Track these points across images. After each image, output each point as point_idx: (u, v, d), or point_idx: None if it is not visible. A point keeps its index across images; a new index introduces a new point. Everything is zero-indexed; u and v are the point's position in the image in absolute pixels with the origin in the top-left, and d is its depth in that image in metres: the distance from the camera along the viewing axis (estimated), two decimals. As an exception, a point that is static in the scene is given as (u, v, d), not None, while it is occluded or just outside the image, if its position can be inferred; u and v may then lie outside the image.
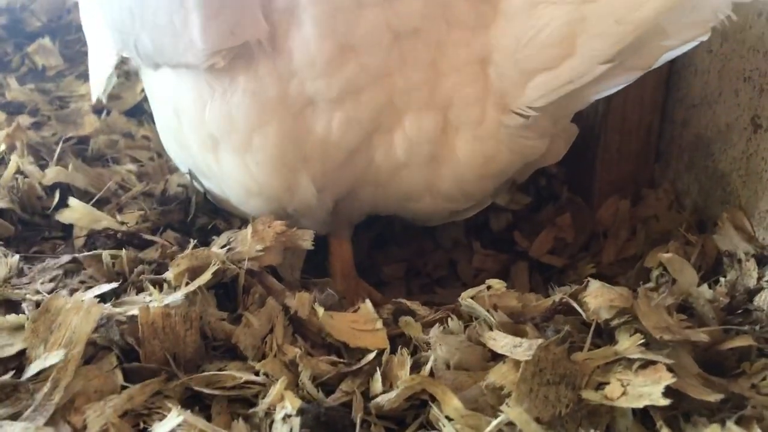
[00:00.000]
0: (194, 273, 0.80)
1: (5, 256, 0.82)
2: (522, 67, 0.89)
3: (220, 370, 0.73)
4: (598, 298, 0.82)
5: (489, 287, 0.89)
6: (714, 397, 0.68)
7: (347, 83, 0.89)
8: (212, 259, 0.81)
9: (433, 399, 0.72)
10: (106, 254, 0.85)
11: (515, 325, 0.83)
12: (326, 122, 0.91)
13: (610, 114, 1.28)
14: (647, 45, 0.85)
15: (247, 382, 0.70)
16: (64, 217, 0.96)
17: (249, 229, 0.92)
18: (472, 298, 0.87)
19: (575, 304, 0.84)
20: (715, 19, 0.83)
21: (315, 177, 0.94)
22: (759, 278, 0.94)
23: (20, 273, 0.81)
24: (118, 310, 0.74)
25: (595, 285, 0.85)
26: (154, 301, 0.76)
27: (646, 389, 0.68)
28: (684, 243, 1.11)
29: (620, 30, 0.83)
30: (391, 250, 1.36)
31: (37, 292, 0.76)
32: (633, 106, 1.27)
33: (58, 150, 1.05)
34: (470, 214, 1.09)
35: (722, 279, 0.98)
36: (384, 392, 0.72)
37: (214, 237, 0.95)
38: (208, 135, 0.93)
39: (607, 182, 1.32)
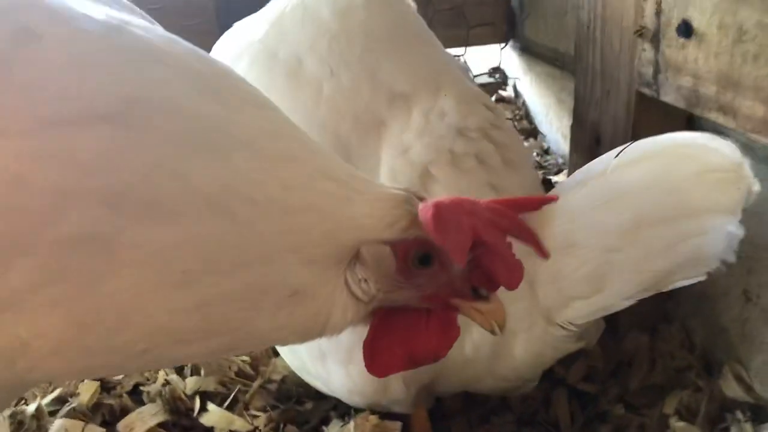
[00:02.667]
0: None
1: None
2: (563, 293, 1.13)
3: None
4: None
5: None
6: None
7: None
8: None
9: None
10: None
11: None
12: None
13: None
14: (660, 284, 1.09)
15: None
16: (206, 420, 1.24)
17: (351, 424, 1.20)
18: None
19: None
20: (712, 267, 1.03)
21: (404, 378, 1.20)
22: (755, 438, 1.20)
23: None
24: None
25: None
26: None
27: None
28: (695, 390, 1.37)
29: (640, 277, 1.07)
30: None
31: None
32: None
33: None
34: (524, 390, 1.35)
35: (725, 436, 1.23)
36: None
37: (323, 427, 1.23)
38: (318, 349, 1.19)
39: (628, 318, 1.57)
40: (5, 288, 0.59)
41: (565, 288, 1.13)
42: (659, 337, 1.54)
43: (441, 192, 1.19)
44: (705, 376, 1.40)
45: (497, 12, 2.38)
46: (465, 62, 2.83)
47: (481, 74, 2.79)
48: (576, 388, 1.56)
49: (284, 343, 1.02)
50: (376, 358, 0.88)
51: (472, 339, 1.21)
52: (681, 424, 1.25)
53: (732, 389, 1.32)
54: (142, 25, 0.71)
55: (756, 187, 0.96)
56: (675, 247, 1.01)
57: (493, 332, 0.89)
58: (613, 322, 1.59)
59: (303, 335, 0.79)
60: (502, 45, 2.52)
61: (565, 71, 1.92)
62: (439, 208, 0.78)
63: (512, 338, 1.20)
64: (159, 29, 0.77)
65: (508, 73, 2.61)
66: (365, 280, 0.79)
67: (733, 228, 0.96)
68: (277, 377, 1.33)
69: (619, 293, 1.09)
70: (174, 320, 0.66)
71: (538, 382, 1.35)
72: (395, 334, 0.86)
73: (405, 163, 1.23)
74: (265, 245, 0.70)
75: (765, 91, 1.04)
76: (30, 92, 0.59)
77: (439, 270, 0.82)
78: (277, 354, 1.41)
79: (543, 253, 0.93)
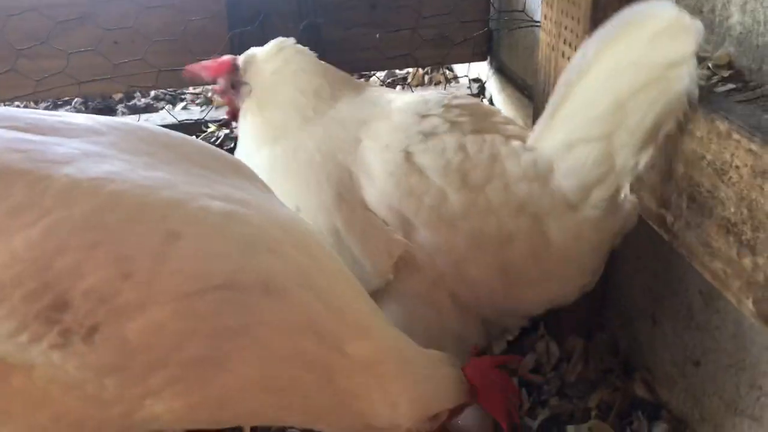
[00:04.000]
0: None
1: None
2: (582, 182, 1.34)
3: None
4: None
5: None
6: None
7: None
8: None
9: None
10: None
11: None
12: None
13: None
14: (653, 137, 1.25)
15: None
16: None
17: None
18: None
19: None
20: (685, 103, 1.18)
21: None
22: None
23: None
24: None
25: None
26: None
27: None
28: (613, 389, 1.77)
29: (636, 138, 1.24)
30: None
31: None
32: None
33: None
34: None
35: (628, 428, 1.64)
36: None
37: None
38: None
39: (568, 325, 1.96)
40: (146, 387, 0.98)
41: (582, 176, 1.34)
42: (593, 342, 1.93)
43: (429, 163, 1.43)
44: (623, 377, 1.80)
45: (478, 30, 2.64)
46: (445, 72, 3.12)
47: (462, 76, 3.08)
48: (525, 378, 1.96)
49: None
50: None
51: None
52: (596, 420, 1.65)
53: (640, 390, 1.72)
54: (255, 203, 1.09)
55: (698, 24, 1.14)
56: (655, 102, 1.20)
57: None
58: (556, 327, 1.99)
59: None
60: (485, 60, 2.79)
61: (531, 101, 2.24)
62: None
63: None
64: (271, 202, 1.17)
65: (487, 86, 2.89)
66: None
67: (692, 66, 1.16)
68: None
69: (626, 162, 1.29)
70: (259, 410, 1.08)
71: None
72: None
73: (389, 155, 1.46)
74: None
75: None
76: (174, 275, 0.96)
77: None
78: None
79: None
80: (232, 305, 0.99)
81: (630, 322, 1.81)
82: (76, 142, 1.04)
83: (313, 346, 1.05)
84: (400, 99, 1.60)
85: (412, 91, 2.70)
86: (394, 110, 1.54)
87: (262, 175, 1.25)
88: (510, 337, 2.00)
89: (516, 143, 1.44)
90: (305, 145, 1.55)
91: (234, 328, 0.99)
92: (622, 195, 1.36)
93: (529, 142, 1.43)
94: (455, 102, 1.54)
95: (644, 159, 1.29)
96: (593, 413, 1.72)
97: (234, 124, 1.87)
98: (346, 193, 1.46)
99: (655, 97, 1.20)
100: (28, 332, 0.92)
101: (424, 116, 1.49)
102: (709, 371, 1.50)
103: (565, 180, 1.36)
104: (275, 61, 1.70)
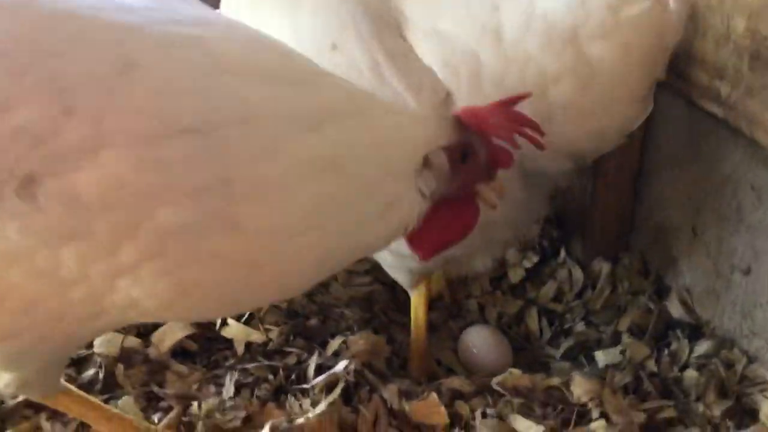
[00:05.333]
0: (329, 385, 1.30)
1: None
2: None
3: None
4: (580, 387, 1.32)
5: (511, 372, 1.39)
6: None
7: None
8: (339, 377, 1.30)
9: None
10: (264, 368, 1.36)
11: (528, 403, 1.33)
12: None
13: (595, 197, 1.73)
14: None
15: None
16: (227, 332, 1.45)
17: (350, 339, 1.42)
18: (500, 383, 1.37)
19: (566, 390, 1.33)
20: None
21: None
22: (690, 353, 1.42)
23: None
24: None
25: (577, 378, 1.34)
26: (309, 411, 1.26)
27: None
28: (646, 311, 1.59)
29: None
30: (435, 299, 1.85)
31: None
32: (612, 195, 1.72)
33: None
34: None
35: (666, 350, 1.46)
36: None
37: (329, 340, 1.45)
38: None
39: (593, 248, 1.78)
40: (115, 263, 0.79)
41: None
42: (620, 265, 1.75)
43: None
44: (656, 299, 1.62)
45: None
46: None
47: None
48: (546, 307, 1.78)
49: (376, 250, 1.19)
50: (423, 244, 1.08)
51: None
52: (630, 339, 1.48)
53: (677, 311, 1.54)
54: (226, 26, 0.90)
55: None
56: None
57: (494, 205, 1.09)
58: (579, 251, 1.81)
59: (390, 238, 1.03)
60: None
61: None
62: (479, 114, 1.05)
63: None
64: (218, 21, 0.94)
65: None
66: (429, 180, 1.02)
67: None
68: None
69: None
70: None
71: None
72: (437, 221, 1.06)
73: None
74: (367, 184, 0.94)
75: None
76: (130, 112, 0.77)
77: (473, 163, 1.06)
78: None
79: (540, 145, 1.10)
80: (209, 152, 0.81)
81: (663, 238, 1.63)
82: None
83: (333, 176, 0.89)
84: None
85: None
86: None
87: (285, 11, 1.08)
88: (529, 264, 1.84)
89: None
90: None
91: (222, 177, 0.81)
92: None
93: None
94: None
95: None
96: (625, 337, 1.55)
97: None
98: (386, 26, 1.29)
99: None
100: None
101: None
102: (762, 278, 1.32)
103: None
104: None
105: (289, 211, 0.85)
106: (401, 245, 1.11)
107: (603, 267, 1.75)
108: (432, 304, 1.86)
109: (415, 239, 1.08)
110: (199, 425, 1.26)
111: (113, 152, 0.76)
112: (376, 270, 1.84)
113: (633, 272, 1.72)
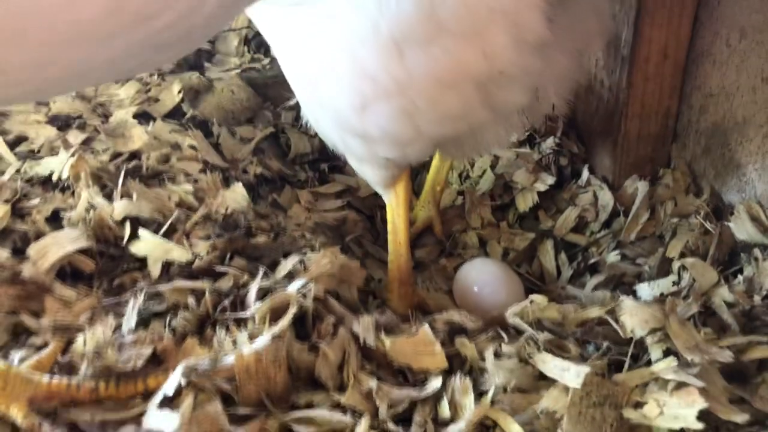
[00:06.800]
0: (275, 313, 0.90)
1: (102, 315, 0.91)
2: None
3: (308, 404, 0.84)
4: (633, 317, 0.92)
5: (532, 301, 0.99)
6: (741, 418, 0.79)
7: None
8: (291, 300, 0.90)
9: (495, 424, 0.83)
10: (190, 297, 0.95)
11: (559, 341, 0.93)
12: None
13: (630, 98, 1.34)
14: None
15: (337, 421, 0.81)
16: (137, 249, 1.04)
17: (313, 256, 1.02)
18: (518, 314, 0.97)
19: (612, 322, 0.94)
20: None
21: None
22: (773, 278, 1.04)
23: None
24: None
25: (629, 303, 0.95)
26: (244, 345, 0.85)
27: (681, 411, 0.79)
28: (702, 232, 1.20)
29: None
30: (423, 233, 1.46)
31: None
32: (652, 91, 1.33)
33: (120, 179, 1.12)
34: None
35: (740, 276, 1.08)
36: (451, 420, 0.83)
37: (281, 260, 1.04)
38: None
39: (626, 163, 1.39)
40: None
41: None
42: (660, 184, 1.37)
43: None
44: (714, 219, 1.24)
45: None
46: None
47: None
48: (564, 240, 1.40)
49: None
50: None
51: None
52: (691, 260, 1.09)
53: (745, 231, 1.16)
54: None
55: None
56: None
57: None
58: (608, 168, 1.43)
59: None
60: None
61: None
62: None
63: None
64: None
65: None
66: None
67: None
68: (224, 210, 1.14)
69: None
70: None
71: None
72: None
73: None
74: None
75: None
76: None
77: None
78: (227, 185, 1.21)
79: None
80: None
81: (721, 139, 1.25)
82: None
83: None
84: None
85: None
86: None
87: None
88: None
89: None
90: None
91: None
92: None
93: None
94: None
95: None
96: (677, 265, 1.16)
97: None
98: None
99: None
100: None
101: None
102: None
103: None
104: None
105: None
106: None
107: (639, 187, 1.37)
108: (420, 239, 1.47)
109: None
110: (83, 366, 0.86)
111: None
112: (349, 192, 1.45)
113: (679, 191, 1.34)
